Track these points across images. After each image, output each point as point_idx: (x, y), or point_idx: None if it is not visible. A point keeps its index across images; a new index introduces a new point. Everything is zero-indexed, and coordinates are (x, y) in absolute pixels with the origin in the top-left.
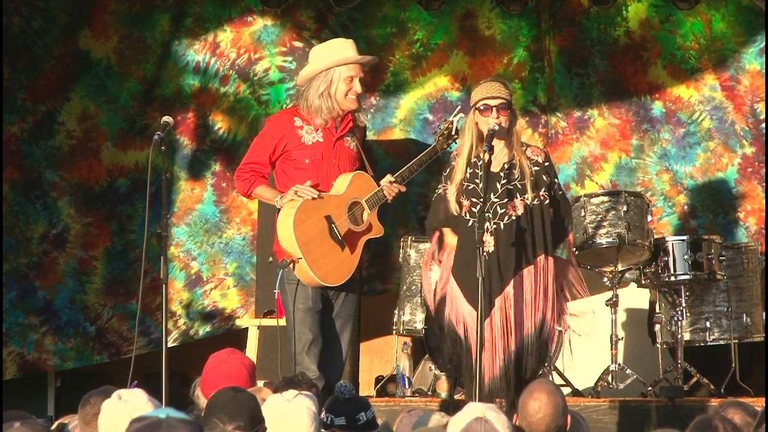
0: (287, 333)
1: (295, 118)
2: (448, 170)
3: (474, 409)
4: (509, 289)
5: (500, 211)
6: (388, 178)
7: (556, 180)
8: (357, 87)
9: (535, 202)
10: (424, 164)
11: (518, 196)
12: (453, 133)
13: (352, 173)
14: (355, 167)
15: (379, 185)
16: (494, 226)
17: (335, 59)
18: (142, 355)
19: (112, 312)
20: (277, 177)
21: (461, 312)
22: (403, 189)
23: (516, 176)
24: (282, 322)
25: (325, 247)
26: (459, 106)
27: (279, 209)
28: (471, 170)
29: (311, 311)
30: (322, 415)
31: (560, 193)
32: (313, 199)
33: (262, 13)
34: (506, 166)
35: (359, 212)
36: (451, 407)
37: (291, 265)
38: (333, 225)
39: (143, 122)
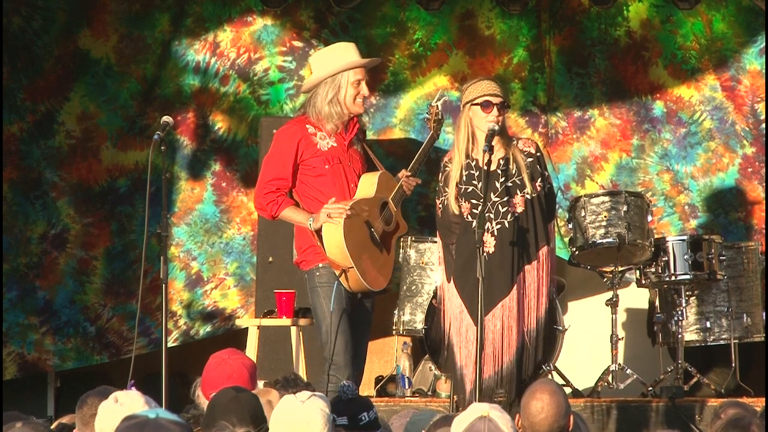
0: (320, 334)
1: (307, 126)
2: (443, 177)
3: (478, 409)
4: (514, 289)
5: (502, 210)
6: (404, 173)
7: (546, 172)
8: (364, 90)
9: (533, 195)
10: (428, 153)
11: (518, 192)
12: (441, 117)
13: (377, 173)
14: (366, 168)
15: (398, 180)
16: (498, 226)
17: (341, 64)
18: (142, 355)
19: (112, 312)
20: (298, 189)
21: (463, 325)
22: (419, 181)
23: (513, 172)
24: (282, 322)
25: (369, 253)
26: (439, 91)
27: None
28: (467, 172)
29: (345, 312)
30: None
31: (549, 186)
32: (352, 212)
33: (262, 12)
34: (502, 162)
35: (389, 212)
36: (452, 408)
37: (342, 275)
38: (372, 230)
39: (143, 122)
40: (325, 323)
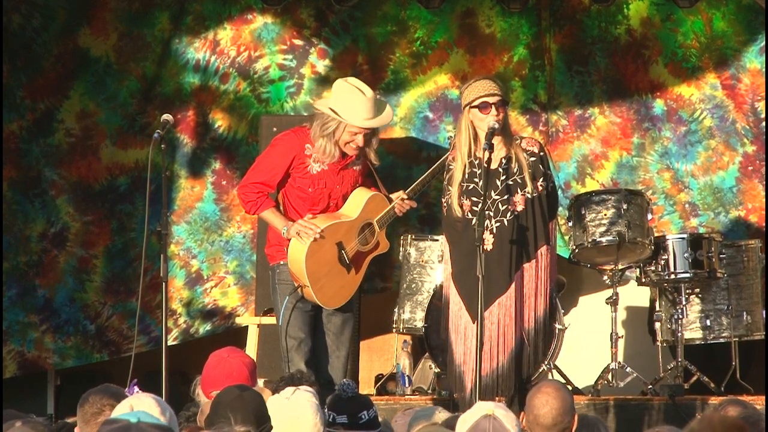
0: (278, 331)
1: (307, 145)
2: (447, 176)
3: (483, 407)
4: (512, 287)
5: (502, 208)
6: (401, 195)
7: (549, 171)
8: (359, 141)
9: (534, 194)
10: (437, 174)
11: (519, 191)
12: None
13: (369, 193)
14: (359, 184)
15: (391, 200)
16: (497, 224)
17: (347, 115)
18: (142, 353)
19: (112, 310)
20: (284, 190)
21: (461, 323)
22: (415, 205)
23: (515, 170)
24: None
25: (333, 273)
26: None
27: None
28: (469, 170)
29: (301, 311)
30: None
31: (551, 185)
32: (320, 236)
33: (262, 11)
34: (504, 161)
35: (370, 233)
36: (451, 405)
37: (299, 289)
38: (343, 251)
39: (143, 120)
40: (279, 320)
